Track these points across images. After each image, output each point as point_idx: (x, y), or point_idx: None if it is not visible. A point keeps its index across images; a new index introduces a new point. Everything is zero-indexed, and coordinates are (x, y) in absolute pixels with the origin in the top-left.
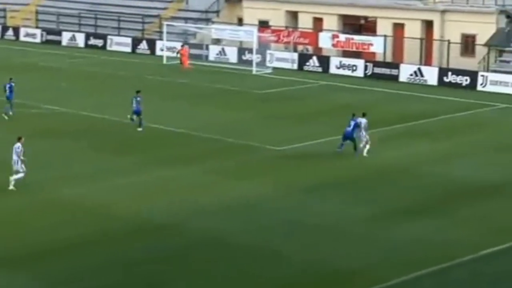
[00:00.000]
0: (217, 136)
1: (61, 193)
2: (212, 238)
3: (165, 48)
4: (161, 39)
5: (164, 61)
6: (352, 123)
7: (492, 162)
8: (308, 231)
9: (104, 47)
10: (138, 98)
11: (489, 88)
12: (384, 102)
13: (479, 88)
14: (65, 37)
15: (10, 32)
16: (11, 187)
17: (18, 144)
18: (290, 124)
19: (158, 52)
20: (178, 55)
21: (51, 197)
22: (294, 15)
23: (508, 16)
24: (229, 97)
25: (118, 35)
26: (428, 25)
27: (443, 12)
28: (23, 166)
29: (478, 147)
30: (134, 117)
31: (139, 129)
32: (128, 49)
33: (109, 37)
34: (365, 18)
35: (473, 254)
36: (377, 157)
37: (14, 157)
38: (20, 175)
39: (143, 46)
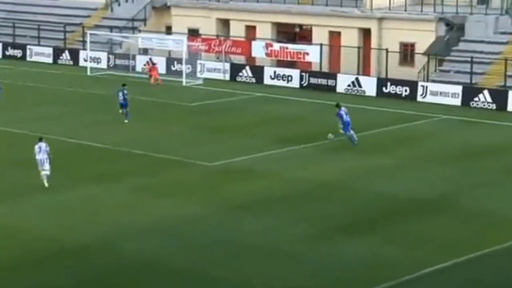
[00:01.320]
0: (145, 151)
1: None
2: (141, 260)
3: (89, 58)
4: (84, 48)
5: (88, 72)
6: (343, 112)
7: (431, 176)
8: (242, 251)
9: (23, 57)
10: (125, 91)
11: (430, 98)
12: (320, 114)
13: (419, 98)
14: None
15: None
16: (46, 184)
17: (44, 144)
18: (222, 138)
19: (81, 62)
20: (147, 72)
21: None
22: (225, 23)
23: (447, 24)
24: (158, 110)
25: (39, 44)
26: (365, 33)
27: (381, 19)
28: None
29: (416, 160)
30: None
31: (126, 121)
32: (50, 60)
33: (28, 47)
34: (300, 26)
35: (409, 274)
36: (312, 172)
37: (41, 156)
38: (48, 172)
39: (66, 56)
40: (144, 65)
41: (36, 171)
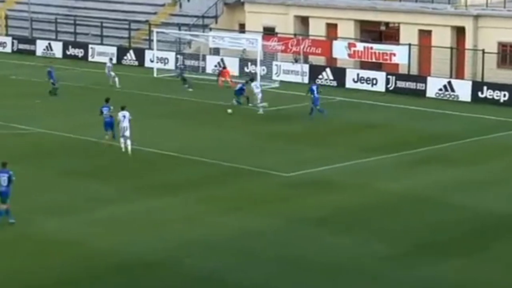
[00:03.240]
0: (213, 159)
1: (32, 227)
2: (207, 276)
3: (155, 58)
4: (150, 48)
5: (155, 74)
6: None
7: None
8: (317, 270)
9: (85, 57)
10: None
11: None
12: (408, 121)
13: None
14: (40, 46)
15: None
16: (130, 151)
17: (127, 112)
18: (299, 147)
19: (147, 63)
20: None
21: (19, 232)
22: (304, 21)
23: None
24: (228, 115)
25: (101, 43)
26: (459, 32)
27: (477, 17)
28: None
29: None
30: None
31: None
32: (114, 60)
33: (90, 46)
34: (387, 24)
35: None
36: (397, 185)
37: (125, 123)
38: (129, 140)
39: (130, 56)
40: (215, 66)
41: (90, 182)
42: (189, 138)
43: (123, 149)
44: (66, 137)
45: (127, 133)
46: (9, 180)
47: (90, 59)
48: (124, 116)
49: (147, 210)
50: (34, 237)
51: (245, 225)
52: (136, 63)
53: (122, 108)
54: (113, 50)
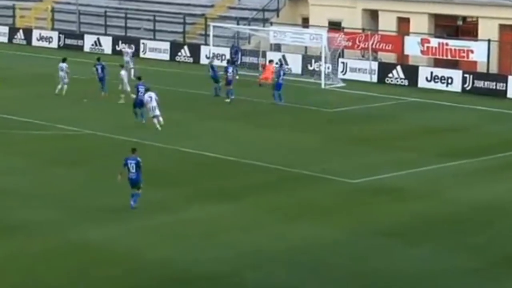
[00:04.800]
0: (275, 164)
1: (85, 235)
2: None
3: (212, 55)
4: (207, 44)
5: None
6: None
7: None
8: (390, 284)
9: (136, 53)
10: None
11: None
12: (487, 124)
13: None
14: (88, 42)
15: (19, 35)
16: (160, 127)
17: (154, 93)
18: (368, 151)
19: (203, 60)
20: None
21: (70, 239)
22: (373, 15)
23: None
24: (291, 117)
25: (154, 39)
26: None
27: None
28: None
29: None
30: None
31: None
32: (166, 56)
33: (142, 41)
34: (464, 18)
35: None
36: (477, 193)
37: (153, 103)
38: (160, 117)
39: (185, 52)
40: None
41: (145, 187)
42: (247, 141)
43: (159, 128)
44: (116, 139)
45: (157, 112)
46: (137, 166)
47: (141, 55)
48: (151, 97)
49: (203, 218)
50: (85, 246)
51: (310, 236)
52: (191, 59)
53: (147, 90)
54: (166, 46)
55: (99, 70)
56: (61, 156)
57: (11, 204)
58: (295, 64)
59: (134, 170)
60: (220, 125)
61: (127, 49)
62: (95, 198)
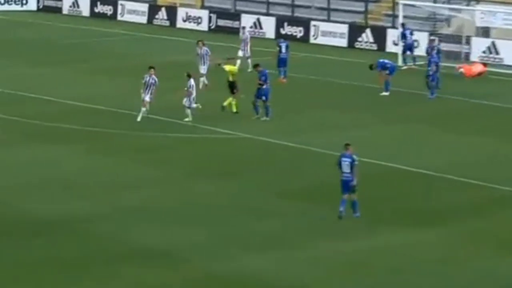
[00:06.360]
0: (483, 181)
1: (235, 265)
2: None
3: (401, 41)
4: (394, 27)
5: (399, 62)
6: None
7: None
8: None
9: (305, 38)
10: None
11: None
12: None
13: None
14: (246, 23)
15: (162, 15)
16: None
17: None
18: None
19: (389, 47)
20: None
21: (217, 271)
22: None
23: None
24: (498, 119)
25: (328, 20)
26: None
27: None
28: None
29: None
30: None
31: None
32: (343, 42)
33: (313, 23)
34: None
35: None
36: None
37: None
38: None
39: (366, 37)
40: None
41: (313, 206)
42: (448, 151)
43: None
44: (278, 145)
45: (194, 105)
46: (352, 165)
47: (312, 40)
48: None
49: (389, 246)
50: (235, 278)
51: None
52: (375, 46)
53: (189, 75)
54: (344, 28)
55: (283, 49)
56: (205, 165)
57: (141, 226)
58: (507, 53)
59: (348, 170)
60: (405, 130)
61: (246, 33)
62: (248, 219)
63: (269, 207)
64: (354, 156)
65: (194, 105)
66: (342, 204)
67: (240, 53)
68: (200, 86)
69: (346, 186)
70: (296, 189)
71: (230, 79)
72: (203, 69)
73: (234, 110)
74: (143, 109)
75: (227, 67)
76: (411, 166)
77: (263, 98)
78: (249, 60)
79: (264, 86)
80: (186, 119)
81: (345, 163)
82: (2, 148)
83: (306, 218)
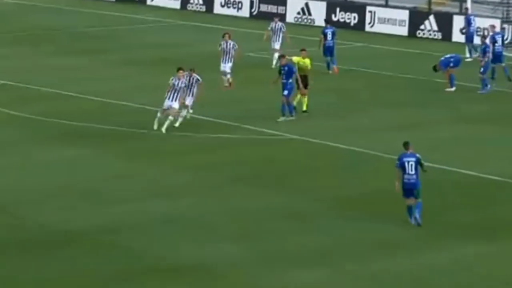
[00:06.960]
0: None
1: (276, 282)
2: None
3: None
4: (461, 13)
5: (467, 54)
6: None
7: None
8: None
9: (360, 25)
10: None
11: None
12: None
13: None
14: (292, 9)
15: (197, 0)
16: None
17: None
18: None
19: (455, 36)
20: None
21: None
22: None
23: None
24: None
25: (386, 5)
26: None
27: None
28: None
29: None
30: None
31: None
32: (403, 31)
33: (369, 8)
34: None
35: None
36: None
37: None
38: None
39: (430, 25)
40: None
41: (370, 219)
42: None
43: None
44: (330, 147)
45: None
46: (417, 166)
47: (367, 28)
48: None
49: (455, 262)
50: None
51: None
52: (439, 35)
53: (191, 70)
54: (404, 15)
55: (329, 36)
56: (247, 170)
57: (176, 237)
58: None
59: (413, 171)
60: (483, 131)
61: (279, 23)
62: (296, 233)
63: (320, 217)
64: (418, 155)
65: (185, 113)
66: (410, 214)
67: (276, 46)
68: (226, 84)
69: (411, 190)
70: (352, 197)
71: (301, 73)
72: (227, 67)
73: (304, 108)
74: (159, 115)
75: (295, 59)
76: (480, 172)
77: (285, 93)
78: (276, 54)
79: (287, 81)
80: None
81: (410, 163)
82: (18, 150)
83: (361, 229)
